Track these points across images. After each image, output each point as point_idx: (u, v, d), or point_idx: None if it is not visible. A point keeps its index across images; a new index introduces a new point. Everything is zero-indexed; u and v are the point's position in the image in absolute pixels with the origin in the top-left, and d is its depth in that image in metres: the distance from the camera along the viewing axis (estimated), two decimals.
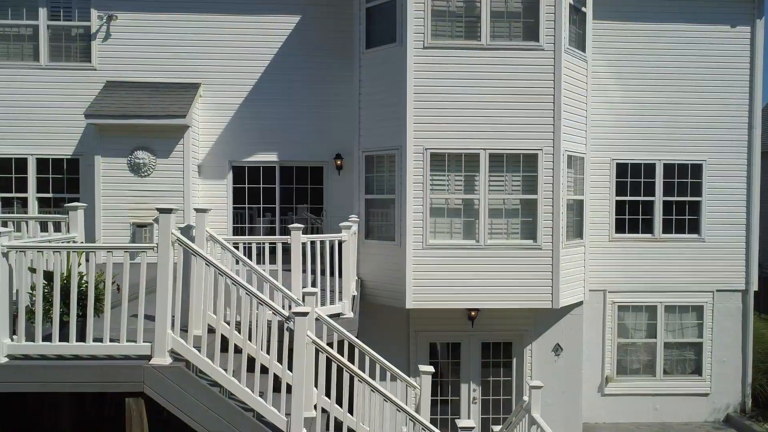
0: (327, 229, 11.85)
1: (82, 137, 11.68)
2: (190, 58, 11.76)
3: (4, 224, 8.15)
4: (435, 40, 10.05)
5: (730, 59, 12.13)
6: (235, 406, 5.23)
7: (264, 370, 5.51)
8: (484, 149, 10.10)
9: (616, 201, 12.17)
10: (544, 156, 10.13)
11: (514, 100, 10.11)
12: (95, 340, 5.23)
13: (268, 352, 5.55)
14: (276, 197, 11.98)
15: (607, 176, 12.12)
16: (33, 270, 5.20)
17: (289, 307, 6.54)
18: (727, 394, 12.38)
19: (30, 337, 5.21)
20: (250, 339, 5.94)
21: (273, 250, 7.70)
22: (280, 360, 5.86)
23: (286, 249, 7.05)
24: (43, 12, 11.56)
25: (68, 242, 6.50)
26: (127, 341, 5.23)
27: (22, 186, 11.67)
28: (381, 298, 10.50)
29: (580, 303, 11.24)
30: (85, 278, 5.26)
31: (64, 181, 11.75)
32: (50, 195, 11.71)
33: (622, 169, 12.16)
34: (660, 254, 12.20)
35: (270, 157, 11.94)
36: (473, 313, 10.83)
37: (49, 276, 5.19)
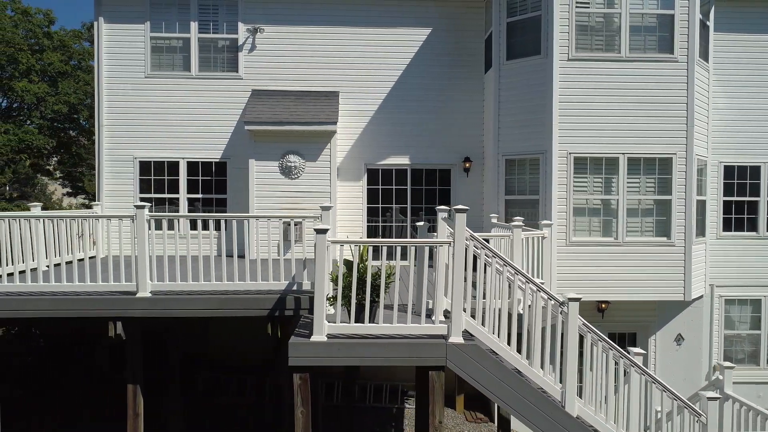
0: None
1: (230, 141, 12.52)
2: (329, 68, 12.61)
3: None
4: (578, 53, 10.86)
5: None
6: (522, 378, 6.06)
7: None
8: (623, 153, 10.93)
9: (723, 201, 12.98)
10: (677, 160, 10.95)
11: (650, 107, 10.94)
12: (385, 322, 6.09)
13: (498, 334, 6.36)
14: (407, 198, 12.82)
15: (715, 178, 12.92)
16: (349, 262, 6.03)
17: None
18: None
19: (342, 318, 6.06)
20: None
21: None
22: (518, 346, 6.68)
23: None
24: (194, 26, 12.40)
25: None
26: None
27: (173, 187, 12.52)
28: None
29: (701, 296, 12.06)
30: (387, 270, 6.10)
31: (212, 183, 12.60)
32: (199, 195, 12.56)
33: (729, 171, 12.97)
34: (765, 251, 13.00)
35: (402, 160, 12.78)
36: (603, 305, 11.66)
37: (351, 266, 6.02)
